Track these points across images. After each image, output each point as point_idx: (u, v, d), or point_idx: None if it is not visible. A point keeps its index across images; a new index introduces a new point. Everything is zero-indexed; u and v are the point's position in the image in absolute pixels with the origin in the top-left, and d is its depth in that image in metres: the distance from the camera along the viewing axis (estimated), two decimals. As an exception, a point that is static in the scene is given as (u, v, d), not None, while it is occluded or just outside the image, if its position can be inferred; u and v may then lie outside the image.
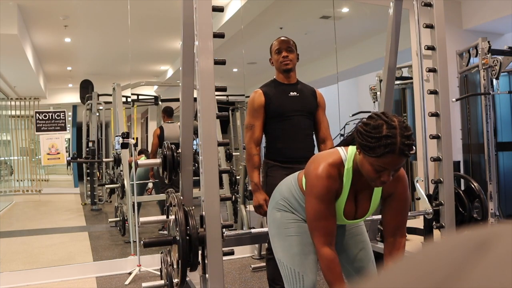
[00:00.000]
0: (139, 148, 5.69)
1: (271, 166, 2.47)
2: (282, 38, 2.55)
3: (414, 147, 1.39)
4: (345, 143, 1.61)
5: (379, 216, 2.94)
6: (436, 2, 2.60)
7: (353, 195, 1.58)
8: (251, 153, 2.44)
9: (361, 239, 1.75)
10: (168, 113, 5.18)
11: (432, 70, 2.63)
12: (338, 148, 1.58)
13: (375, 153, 1.35)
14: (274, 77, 2.58)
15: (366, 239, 1.76)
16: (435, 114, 2.62)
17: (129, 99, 5.77)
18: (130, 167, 4.26)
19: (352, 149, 1.54)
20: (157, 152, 4.96)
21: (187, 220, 1.88)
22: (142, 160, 4.71)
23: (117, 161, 4.99)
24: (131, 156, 3.78)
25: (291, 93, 2.51)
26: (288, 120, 2.43)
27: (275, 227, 1.71)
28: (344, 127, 5.84)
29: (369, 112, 1.82)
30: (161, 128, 5.05)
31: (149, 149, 5.51)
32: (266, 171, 2.50)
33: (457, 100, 4.60)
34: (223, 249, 1.87)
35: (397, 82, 5.51)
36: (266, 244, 2.61)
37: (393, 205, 1.58)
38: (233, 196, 4.72)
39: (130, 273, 3.53)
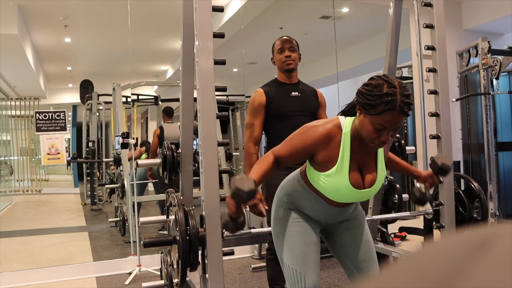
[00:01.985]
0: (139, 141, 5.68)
1: None
2: (285, 37, 2.54)
3: (412, 106, 1.44)
4: (342, 114, 1.63)
5: (380, 216, 2.94)
6: (436, 2, 2.60)
7: (357, 162, 1.55)
8: (249, 152, 2.43)
9: (366, 238, 1.73)
10: (168, 113, 5.18)
11: (432, 70, 2.63)
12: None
13: (376, 110, 1.38)
14: (276, 76, 2.58)
15: (369, 239, 1.75)
16: (435, 114, 2.62)
17: (129, 99, 5.77)
18: (131, 165, 4.26)
19: (350, 118, 1.57)
20: (157, 152, 4.96)
21: (187, 220, 1.88)
22: (142, 160, 4.71)
23: (117, 161, 4.99)
24: (132, 154, 3.79)
25: (292, 93, 2.50)
26: (289, 120, 2.43)
27: (278, 226, 1.71)
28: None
29: None
30: (161, 128, 5.05)
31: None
32: None
33: (457, 100, 4.60)
34: (223, 249, 1.87)
35: (397, 82, 5.50)
36: (267, 244, 2.61)
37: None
38: (233, 196, 4.71)
39: (130, 273, 3.53)
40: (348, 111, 1.60)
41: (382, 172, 1.60)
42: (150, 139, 5.54)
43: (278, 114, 2.44)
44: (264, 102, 2.45)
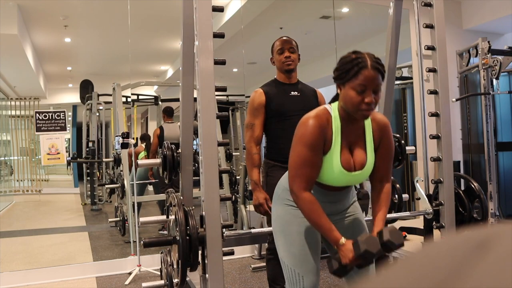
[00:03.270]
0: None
1: (272, 166, 2.47)
2: (284, 38, 2.54)
3: (383, 69, 1.52)
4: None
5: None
6: (436, 2, 2.60)
7: (347, 145, 1.60)
8: (251, 152, 2.43)
9: None
10: (168, 113, 5.18)
11: (432, 70, 2.63)
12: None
13: (351, 73, 1.49)
14: (275, 77, 2.58)
15: None
16: (435, 114, 2.62)
17: (129, 99, 5.77)
18: (131, 167, 4.26)
19: (334, 103, 1.63)
20: (157, 152, 4.96)
21: (187, 220, 1.88)
22: (142, 160, 4.71)
23: (117, 161, 4.99)
24: (131, 155, 3.79)
25: (292, 93, 2.51)
26: (288, 120, 2.43)
27: (278, 224, 1.70)
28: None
29: None
30: (161, 128, 5.06)
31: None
32: (266, 171, 2.50)
33: (457, 100, 4.60)
34: (223, 249, 1.87)
35: (397, 82, 5.51)
36: (267, 244, 2.61)
37: (381, 153, 1.66)
38: (233, 196, 4.72)
39: (130, 273, 3.53)
40: (332, 101, 1.68)
41: (371, 156, 1.62)
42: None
43: (278, 114, 2.45)
44: (263, 102, 2.45)
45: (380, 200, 1.68)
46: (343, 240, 1.50)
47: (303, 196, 1.53)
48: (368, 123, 1.63)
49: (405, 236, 4.41)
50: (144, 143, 5.34)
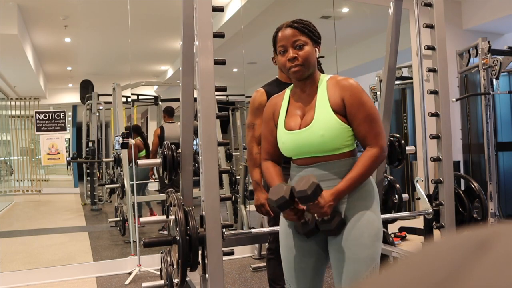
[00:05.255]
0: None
1: None
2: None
3: (304, 25, 1.56)
4: None
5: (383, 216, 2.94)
6: (436, 2, 2.60)
7: (299, 112, 1.58)
8: (252, 152, 2.43)
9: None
10: (169, 113, 5.18)
11: (432, 70, 2.63)
12: None
13: (274, 41, 1.61)
14: (277, 76, 2.58)
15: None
16: (435, 114, 2.62)
17: (129, 99, 5.77)
18: (131, 163, 4.25)
19: None
20: (158, 152, 4.96)
21: (187, 220, 1.88)
22: (142, 160, 4.70)
23: (117, 161, 4.99)
24: (131, 154, 3.79)
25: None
26: None
27: (280, 228, 1.70)
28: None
29: None
30: (161, 128, 5.06)
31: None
32: None
33: (457, 100, 4.60)
34: (223, 249, 1.86)
35: (397, 82, 5.51)
36: (267, 244, 2.61)
37: (351, 113, 1.49)
38: (233, 196, 4.72)
39: (130, 273, 3.53)
40: None
41: (322, 112, 1.49)
42: (150, 139, 5.54)
43: None
44: (264, 101, 2.45)
45: (356, 163, 1.49)
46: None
47: (263, 164, 1.69)
48: (322, 85, 1.56)
49: (405, 236, 4.41)
50: (138, 136, 5.28)
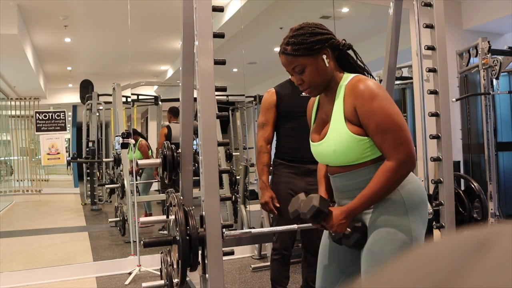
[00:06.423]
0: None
1: (278, 164, 2.51)
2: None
3: (296, 46, 1.47)
4: None
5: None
6: (436, 2, 2.59)
7: (320, 123, 1.58)
8: (261, 151, 2.47)
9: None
10: (174, 113, 5.20)
11: (432, 70, 2.63)
12: None
13: None
14: (290, 77, 2.60)
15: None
16: (435, 114, 2.62)
17: (129, 99, 5.77)
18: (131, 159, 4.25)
19: None
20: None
21: (187, 220, 1.88)
22: (142, 160, 4.70)
23: (117, 161, 4.99)
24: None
25: (303, 93, 2.52)
26: (297, 120, 2.45)
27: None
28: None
29: None
30: (168, 128, 5.07)
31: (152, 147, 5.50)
32: (273, 169, 2.53)
33: (457, 100, 4.60)
34: (223, 249, 1.86)
35: (397, 82, 5.51)
36: (271, 244, 2.61)
37: (364, 124, 1.39)
38: (233, 196, 4.72)
39: (130, 273, 3.53)
40: None
41: (337, 125, 1.43)
42: (150, 139, 5.55)
43: (287, 114, 2.48)
44: (274, 101, 2.49)
45: (372, 178, 1.39)
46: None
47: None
48: (341, 92, 1.46)
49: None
50: (141, 138, 5.34)
